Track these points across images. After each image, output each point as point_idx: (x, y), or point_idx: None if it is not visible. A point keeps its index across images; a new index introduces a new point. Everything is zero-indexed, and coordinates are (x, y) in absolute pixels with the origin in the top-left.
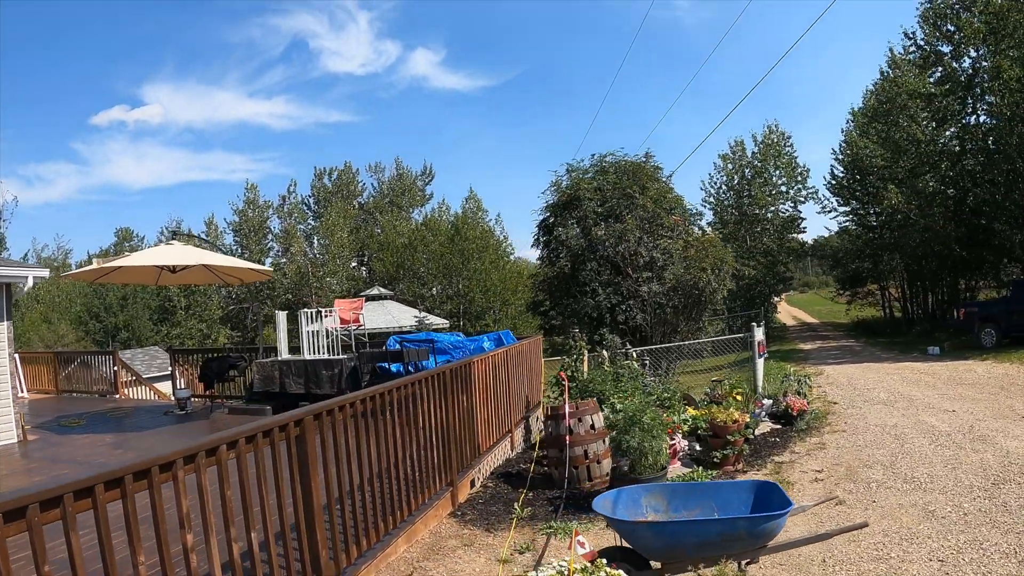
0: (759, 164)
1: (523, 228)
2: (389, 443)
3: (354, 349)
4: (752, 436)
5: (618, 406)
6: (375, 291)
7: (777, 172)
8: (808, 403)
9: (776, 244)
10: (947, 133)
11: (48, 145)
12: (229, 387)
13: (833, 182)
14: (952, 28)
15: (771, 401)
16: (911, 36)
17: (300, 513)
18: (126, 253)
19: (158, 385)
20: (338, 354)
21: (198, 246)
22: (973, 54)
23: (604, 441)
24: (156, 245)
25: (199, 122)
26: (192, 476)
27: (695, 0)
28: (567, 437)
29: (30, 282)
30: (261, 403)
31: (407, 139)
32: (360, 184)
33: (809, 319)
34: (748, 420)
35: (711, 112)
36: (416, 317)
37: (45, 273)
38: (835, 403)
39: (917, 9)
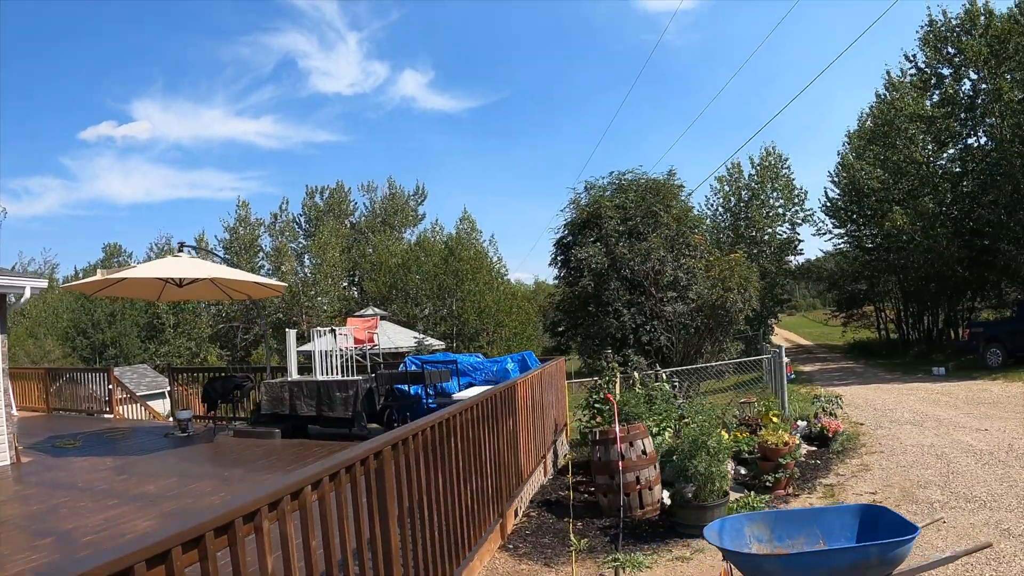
0: (757, 186)
1: (514, 249)
2: (452, 473)
3: (369, 370)
4: (801, 459)
5: (654, 429)
6: (370, 311)
7: (775, 194)
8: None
9: (774, 266)
10: (946, 155)
11: (36, 159)
12: (231, 408)
13: (828, 204)
14: (953, 51)
15: (805, 423)
16: (911, 59)
17: (379, 558)
18: (133, 265)
19: (149, 404)
20: (352, 375)
21: (205, 259)
22: (974, 76)
23: (654, 467)
24: (151, 259)
25: (187, 139)
26: (275, 525)
27: (684, 24)
28: (620, 463)
29: (27, 293)
30: (268, 426)
31: (396, 160)
32: (352, 203)
33: (803, 341)
34: (796, 442)
35: (704, 136)
36: (415, 338)
37: (43, 284)
38: (861, 424)
39: (917, 32)
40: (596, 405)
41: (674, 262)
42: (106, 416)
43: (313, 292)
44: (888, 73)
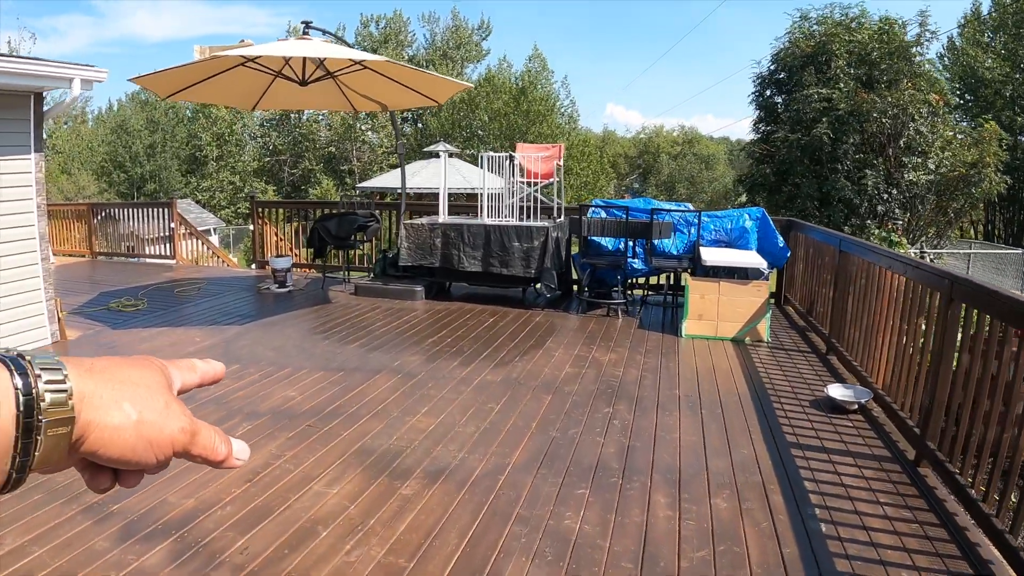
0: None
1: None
2: None
3: (555, 214)
4: None
5: None
6: (441, 147)
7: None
8: None
9: None
10: None
11: None
12: (337, 256)
13: None
14: None
15: None
16: None
17: None
18: (248, 42)
19: (216, 247)
20: (536, 220)
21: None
22: None
23: None
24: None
25: None
26: None
27: None
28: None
29: (76, 88)
30: (404, 282)
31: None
32: (411, 34)
33: None
34: None
35: None
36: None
37: (101, 76)
38: None
39: None
40: None
41: (922, 121)
42: (167, 262)
43: (369, 126)
44: None
